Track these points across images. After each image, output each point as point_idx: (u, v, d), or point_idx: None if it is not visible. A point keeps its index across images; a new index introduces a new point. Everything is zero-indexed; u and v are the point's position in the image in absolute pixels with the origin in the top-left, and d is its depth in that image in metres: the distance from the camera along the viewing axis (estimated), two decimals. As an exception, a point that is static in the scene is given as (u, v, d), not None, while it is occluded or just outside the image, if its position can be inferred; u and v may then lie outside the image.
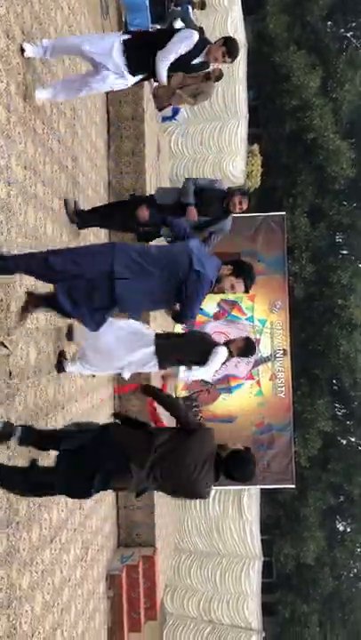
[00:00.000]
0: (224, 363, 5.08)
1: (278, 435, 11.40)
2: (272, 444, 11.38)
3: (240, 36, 12.41)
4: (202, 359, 4.99)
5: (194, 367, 5.14)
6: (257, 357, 11.46)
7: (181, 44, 4.33)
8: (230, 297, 11.37)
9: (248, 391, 11.44)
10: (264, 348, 11.50)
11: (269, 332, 11.55)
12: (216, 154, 12.41)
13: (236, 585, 11.70)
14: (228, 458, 3.54)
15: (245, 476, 3.62)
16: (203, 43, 4.53)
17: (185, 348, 5.08)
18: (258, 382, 11.46)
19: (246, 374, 11.43)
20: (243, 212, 5.76)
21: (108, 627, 6.43)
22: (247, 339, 5.22)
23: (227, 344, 5.10)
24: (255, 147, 13.80)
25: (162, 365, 5.03)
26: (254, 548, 11.84)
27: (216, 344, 5.08)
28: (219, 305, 11.45)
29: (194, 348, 5.08)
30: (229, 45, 4.68)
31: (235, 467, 3.54)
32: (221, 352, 4.96)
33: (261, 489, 12.45)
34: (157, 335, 5.03)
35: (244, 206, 5.50)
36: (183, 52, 4.35)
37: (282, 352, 11.53)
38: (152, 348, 4.91)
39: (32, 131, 4.25)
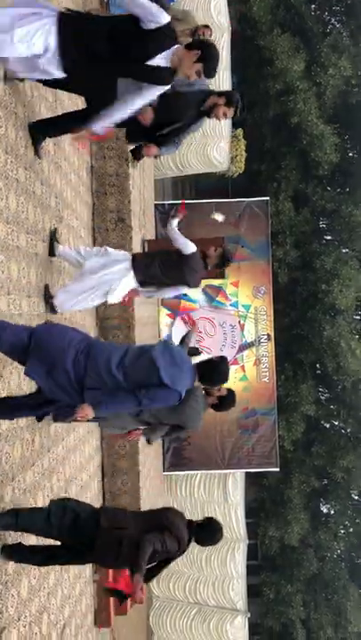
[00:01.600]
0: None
1: (263, 419, 11.50)
2: (256, 428, 11.48)
3: (223, 19, 12.31)
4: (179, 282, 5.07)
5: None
6: (241, 342, 11.52)
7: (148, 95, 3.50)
8: (215, 283, 11.38)
9: (233, 376, 11.48)
10: (248, 334, 11.55)
11: (253, 318, 11.60)
12: (200, 138, 12.35)
13: (221, 567, 11.85)
14: (199, 529, 3.93)
15: (215, 542, 4.06)
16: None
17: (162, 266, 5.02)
18: (242, 367, 11.52)
19: (231, 359, 11.49)
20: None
21: (94, 610, 6.49)
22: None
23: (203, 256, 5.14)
24: (239, 131, 13.74)
25: (139, 278, 4.96)
26: (239, 531, 11.99)
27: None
28: (204, 291, 11.47)
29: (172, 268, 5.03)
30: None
31: (205, 538, 3.99)
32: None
33: (246, 472, 12.58)
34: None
35: (229, 115, 4.71)
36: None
37: (266, 337, 11.59)
38: (128, 263, 4.94)
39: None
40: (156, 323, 10.87)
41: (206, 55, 3.46)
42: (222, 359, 4.02)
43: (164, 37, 3.31)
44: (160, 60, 3.36)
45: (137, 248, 7.93)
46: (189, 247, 4.99)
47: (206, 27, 6.85)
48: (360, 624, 16.21)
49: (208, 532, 3.97)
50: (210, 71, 3.53)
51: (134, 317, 7.40)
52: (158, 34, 3.26)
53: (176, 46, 3.38)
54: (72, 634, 5.42)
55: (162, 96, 3.72)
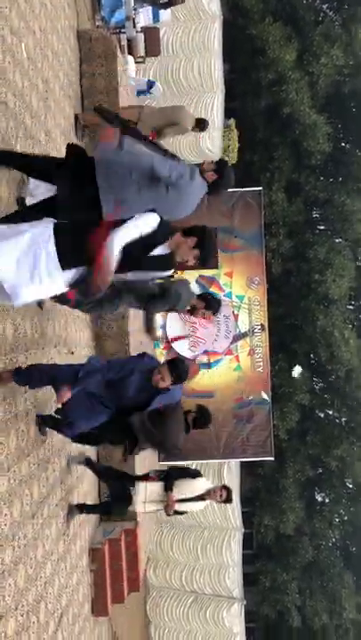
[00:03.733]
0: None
1: (257, 409, 11.54)
2: (251, 417, 11.52)
3: (214, 7, 12.24)
4: None
5: None
6: (235, 333, 11.55)
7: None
8: (208, 273, 11.39)
9: (227, 366, 11.53)
10: (242, 324, 11.57)
11: (247, 308, 11.61)
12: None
13: (217, 556, 11.94)
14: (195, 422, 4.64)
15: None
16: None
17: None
18: (237, 357, 11.55)
19: (225, 350, 11.52)
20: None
21: (91, 598, 6.53)
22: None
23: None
24: (232, 121, 13.70)
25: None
26: (235, 520, 12.07)
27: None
28: (197, 282, 11.47)
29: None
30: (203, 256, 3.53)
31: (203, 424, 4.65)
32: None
33: (241, 462, 12.64)
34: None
35: (209, 317, 4.99)
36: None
37: (260, 327, 11.61)
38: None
39: (3, 104, 4.17)
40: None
41: (204, 242, 3.50)
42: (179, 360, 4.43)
43: (160, 236, 3.39)
44: (159, 249, 3.43)
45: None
46: None
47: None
48: (355, 610, 16.38)
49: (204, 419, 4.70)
50: (207, 258, 3.56)
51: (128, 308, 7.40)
52: (153, 234, 3.35)
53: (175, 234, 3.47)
54: (69, 622, 5.46)
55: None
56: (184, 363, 4.37)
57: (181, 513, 5.73)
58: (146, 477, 5.81)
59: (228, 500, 5.42)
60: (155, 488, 5.59)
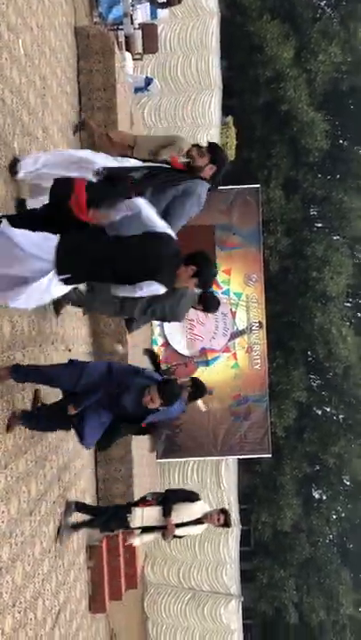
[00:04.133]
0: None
1: (254, 406, 11.56)
2: (249, 415, 11.55)
3: (212, 4, 12.22)
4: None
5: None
6: (233, 330, 11.56)
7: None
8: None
9: (225, 364, 11.54)
10: (240, 321, 11.58)
11: (245, 305, 11.62)
12: (190, 125, 12.31)
13: (215, 553, 11.96)
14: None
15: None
16: None
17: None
18: (234, 355, 11.57)
19: (223, 347, 11.53)
20: None
21: (89, 595, 6.54)
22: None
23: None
24: (230, 118, 13.69)
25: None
26: (233, 517, 12.09)
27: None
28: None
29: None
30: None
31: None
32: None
33: (239, 459, 12.67)
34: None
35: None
36: None
37: (257, 324, 11.63)
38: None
39: (1, 101, 4.16)
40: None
41: (202, 270, 3.74)
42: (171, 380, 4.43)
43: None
44: None
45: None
46: None
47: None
48: (352, 607, 16.43)
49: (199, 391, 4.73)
50: (205, 283, 3.87)
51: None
52: None
53: None
54: (67, 619, 5.47)
55: None
56: (175, 385, 4.37)
57: (180, 537, 5.60)
58: (143, 501, 5.64)
59: (227, 523, 5.32)
60: (152, 513, 5.38)
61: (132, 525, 5.37)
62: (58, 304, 5.01)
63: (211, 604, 11.72)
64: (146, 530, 5.40)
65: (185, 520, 5.20)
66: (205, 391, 4.98)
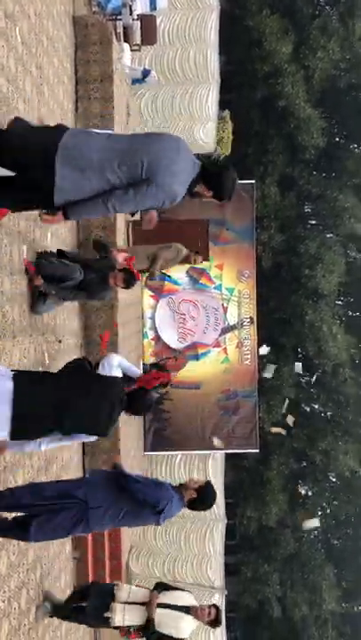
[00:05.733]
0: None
1: (243, 401, 11.60)
2: (237, 410, 11.58)
3: (212, -3, 12.16)
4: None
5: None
6: (224, 325, 11.57)
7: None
8: (199, 265, 11.38)
9: (215, 358, 11.56)
10: (231, 317, 11.60)
11: (237, 301, 11.64)
12: (187, 119, 12.26)
13: (200, 546, 12.01)
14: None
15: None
16: None
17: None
18: (224, 350, 11.58)
19: (214, 342, 11.54)
20: None
21: (73, 586, 6.56)
22: None
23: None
24: (226, 113, 13.65)
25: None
26: (218, 511, 12.14)
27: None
28: (188, 273, 11.46)
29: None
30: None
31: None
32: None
33: (226, 453, 12.71)
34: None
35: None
36: None
37: (249, 320, 11.65)
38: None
39: (-4, 89, 4.13)
40: (139, 303, 10.87)
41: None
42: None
43: None
44: None
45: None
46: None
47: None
48: (334, 602, 16.59)
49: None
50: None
51: (118, 298, 7.40)
52: None
53: None
54: (50, 610, 5.48)
55: None
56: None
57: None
58: (127, 633, 4.85)
59: (217, 621, 4.73)
60: (138, 591, 4.93)
61: (113, 624, 4.76)
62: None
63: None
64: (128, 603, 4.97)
65: (170, 603, 4.67)
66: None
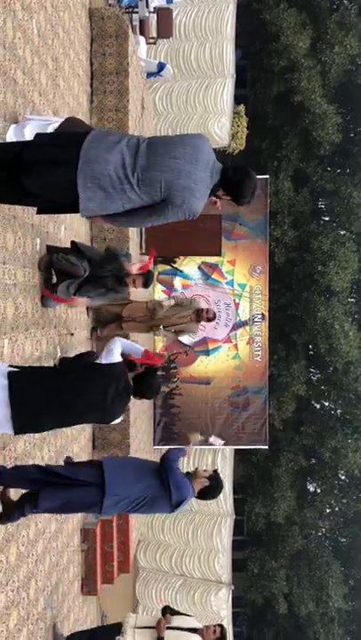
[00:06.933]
0: None
1: (253, 397, 11.58)
2: (247, 406, 11.57)
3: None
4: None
5: None
6: (235, 321, 11.55)
7: None
8: (211, 260, 11.36)
9: (225, 354, 11.55)
10: (243, 312, 11.57)
11: (249, 297, 11.60)
12: (202, 113, 12.20)
13: (207, 541, 12.03)
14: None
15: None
16: None
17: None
18: (235, 345, 11.56)
19: (224, 337, 11.52)
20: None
21: (81, 578, 6.60)
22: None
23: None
24: (241, 107, 13.58)
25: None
26: (226, 507, 12.15)
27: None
28: (200, 268, 11.44)
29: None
30: None
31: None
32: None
33: (235, 449, 12.71)
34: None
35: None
36: None
37: (260, 316, 11.61)
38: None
39: (12, 81, 4.13)
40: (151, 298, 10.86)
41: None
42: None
43: None
44: None
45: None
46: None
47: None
48: (341, 600, 16.56)
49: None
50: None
51: (129, 292, 7.39)
52: None
53: None
54: (59, 600, 5.52)
55: None
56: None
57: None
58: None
59: (223, 639, 4.92)
60: (145, 617, 5.25)
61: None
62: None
63: (201, 591, 11.80)
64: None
65: (178, 625, 4.91)
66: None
